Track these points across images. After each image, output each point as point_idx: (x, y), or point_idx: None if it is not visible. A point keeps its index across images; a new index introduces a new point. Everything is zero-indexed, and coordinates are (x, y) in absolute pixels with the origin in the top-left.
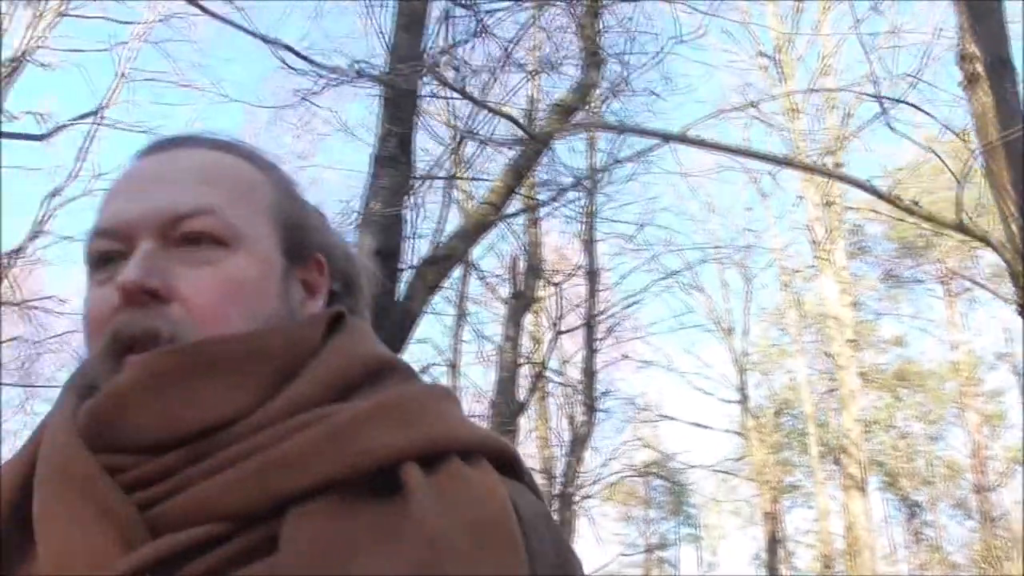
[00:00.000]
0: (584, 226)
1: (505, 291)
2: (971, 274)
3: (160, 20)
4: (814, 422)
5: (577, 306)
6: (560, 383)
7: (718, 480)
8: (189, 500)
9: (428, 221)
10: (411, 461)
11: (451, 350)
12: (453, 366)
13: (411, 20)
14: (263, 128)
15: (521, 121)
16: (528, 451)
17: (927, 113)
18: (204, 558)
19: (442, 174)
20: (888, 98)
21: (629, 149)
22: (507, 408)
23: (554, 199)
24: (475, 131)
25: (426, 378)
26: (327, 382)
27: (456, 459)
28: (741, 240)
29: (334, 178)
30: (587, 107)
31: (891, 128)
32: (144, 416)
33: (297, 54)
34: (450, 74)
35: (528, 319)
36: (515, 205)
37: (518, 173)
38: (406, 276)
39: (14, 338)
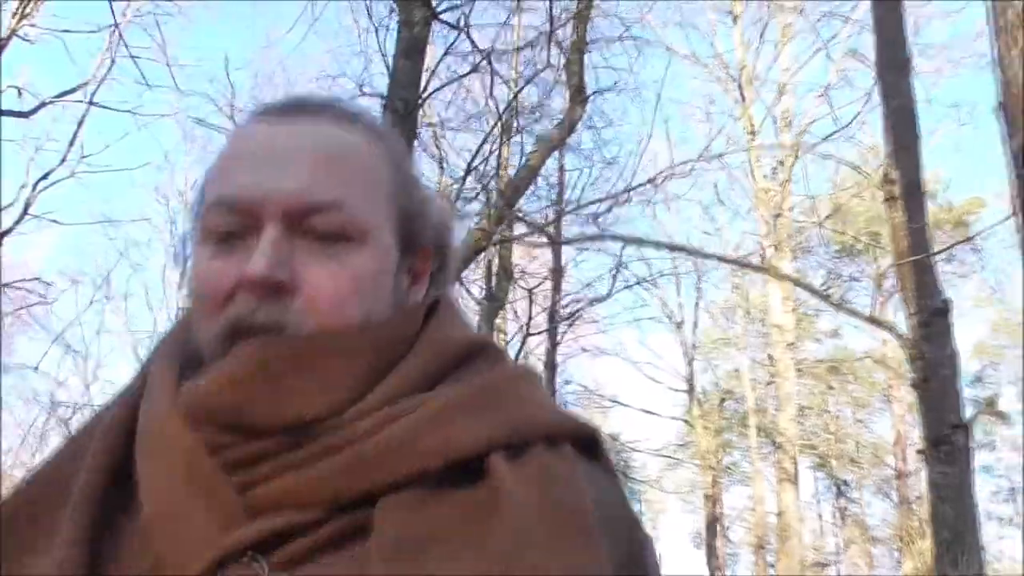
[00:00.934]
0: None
1: (479, 293)
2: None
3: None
4: (754, 414)
5: (544, 310)
6: None
7: (663, 463)
8: (285, 485)
9: None
10: (499, 449)
11: None
12: None
13: (411, 46)
14: None
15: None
16: None
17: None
18: (296, 542)
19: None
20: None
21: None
22: None
23: (542, 229)
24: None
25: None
26: (420, 371)
27: (540, 447)
28: (696, 240)
29: None
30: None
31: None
32: (249, 401)
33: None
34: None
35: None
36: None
37: (509, 203)
38: None
39: None
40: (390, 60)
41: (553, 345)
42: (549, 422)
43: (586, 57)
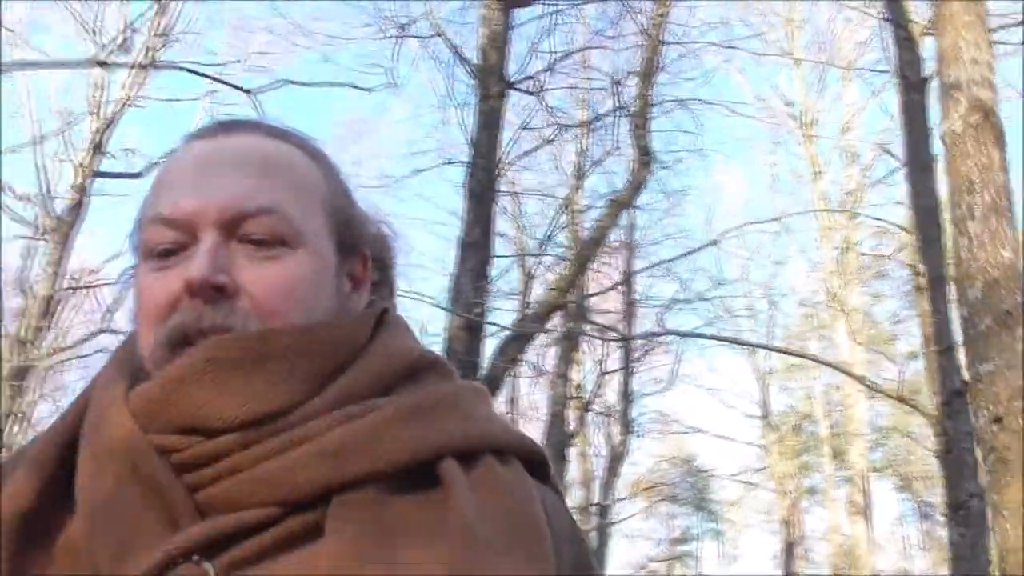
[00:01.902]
0: (626, 259)
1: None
2: None
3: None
4: (828, 440)
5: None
6: (601, 412)
7: (740, 488)
8: (237, 484)
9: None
10: (449, 457)
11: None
12: (512, 400)
13: (489, 119)
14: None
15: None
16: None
17: None
18: (249, 542)
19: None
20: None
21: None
22: (557, 440)
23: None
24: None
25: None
26: (373, 377)
27: (491, 457)
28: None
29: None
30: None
31: None
32: (199, 400)
33: None
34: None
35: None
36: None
37: (582, 266)
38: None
39: None
40: (470, 132)
41: (628, 375)
42: (500, 436)
43: (651, 122)
